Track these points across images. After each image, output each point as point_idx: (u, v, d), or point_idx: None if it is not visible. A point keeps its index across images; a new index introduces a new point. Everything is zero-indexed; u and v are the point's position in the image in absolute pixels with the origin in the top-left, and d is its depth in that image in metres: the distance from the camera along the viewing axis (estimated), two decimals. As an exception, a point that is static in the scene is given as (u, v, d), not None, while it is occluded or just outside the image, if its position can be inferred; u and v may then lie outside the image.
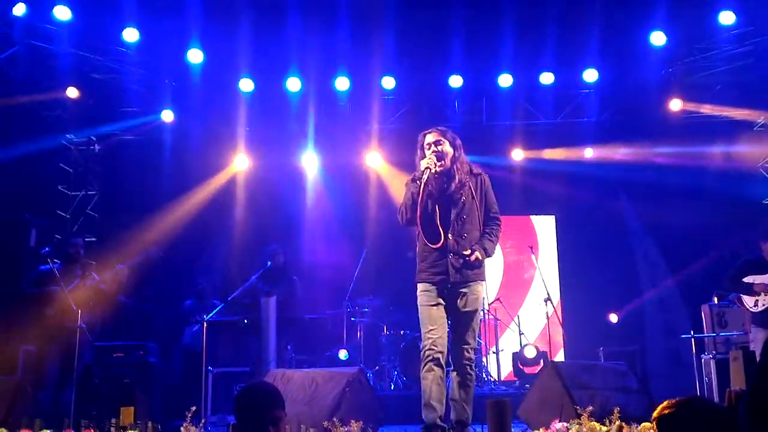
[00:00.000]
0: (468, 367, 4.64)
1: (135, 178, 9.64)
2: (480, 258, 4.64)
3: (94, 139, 9.91)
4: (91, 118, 9.49)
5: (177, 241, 9.19)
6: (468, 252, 4.61)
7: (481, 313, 4.84)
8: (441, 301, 4.67)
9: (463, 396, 4.61)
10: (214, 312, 6.76)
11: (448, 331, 4.68)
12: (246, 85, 9.44)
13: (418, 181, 4.68)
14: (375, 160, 10.21)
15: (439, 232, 4.66)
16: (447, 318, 4.68)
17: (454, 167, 4.74)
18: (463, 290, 4.64)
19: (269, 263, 7.14)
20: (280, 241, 8.28)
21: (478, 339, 6.30)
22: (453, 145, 4.80)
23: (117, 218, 9.27)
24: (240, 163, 10.14)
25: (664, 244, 10.34)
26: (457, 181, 4.71)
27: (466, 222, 4.69)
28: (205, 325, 6.47)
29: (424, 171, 4.66)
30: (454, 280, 4.62)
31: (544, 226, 10.75)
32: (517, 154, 10.25)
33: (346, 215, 10.16)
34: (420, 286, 4.76)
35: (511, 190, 10.13)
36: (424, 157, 4.76)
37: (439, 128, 4.88)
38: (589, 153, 10.24)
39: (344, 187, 10.19)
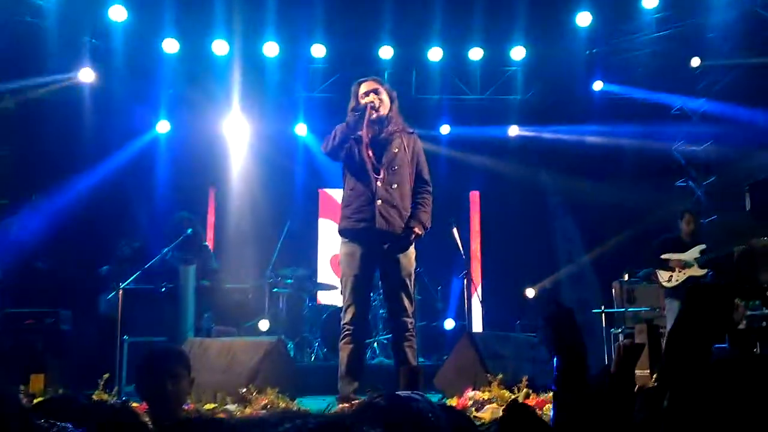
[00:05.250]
0: (409, 333, 4.57)
1: (51, 138, 9.15)
2: (419, 234, 4.56)
3: (7, 95, 9.40)
4: (2, 72, 9.00)
5: (96, 204, 8.89)
6: (402, 232, 4.48)
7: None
8: (367, 266, 4.53)
9: (409, 354, 4.57)
10: (130, 279, 6.58)
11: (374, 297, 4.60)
12: (170, 45, 9.16)
13: (356, 114, 4.54)
14: (302, 129, 10.11)
15: (368, 176, 4.50)
16: (375, 284, 4.59)
17: (389, 116, 4.63)
18: (394, 255, 4.51)
19: (189, 230, 6.98)
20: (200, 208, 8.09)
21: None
22: (390, 96, 4.71)
23: (30, 180, 8.85)
24: (162, 126, 9.85)
25: (581, 221, 10.63)
26: (391, 129, 4.60)
27: (396, 173, 4.54)
28: (120, 292, 6.29)
29: (365, 105, 4.53)
30: (380, 228, 4.45)
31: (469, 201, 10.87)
32: (445, 129, 10.33)
33: (271, 184, 10.05)
34: (343, 247, 4.61)
35: (438, 163, 10.21)
36: (358, 106, 4.64)
37: (377, 77, 4.80)
38: (514, 130, 10.40)
39: (270, 155, 10.04)
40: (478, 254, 10.64)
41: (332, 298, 8.86)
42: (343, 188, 4.64)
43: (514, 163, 10.31)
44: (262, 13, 8.77)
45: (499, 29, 9.34)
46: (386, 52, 9.52)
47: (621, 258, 8.78)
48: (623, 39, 9.58)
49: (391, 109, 4.65)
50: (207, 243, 7.54)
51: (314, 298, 8.54)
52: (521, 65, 9.92)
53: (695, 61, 9.36)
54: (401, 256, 4.54)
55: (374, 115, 4.53)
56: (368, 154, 4.49)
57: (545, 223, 10.92)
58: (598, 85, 9.90)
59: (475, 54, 9.68)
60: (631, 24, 9.35)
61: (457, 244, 6.96)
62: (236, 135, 9.99)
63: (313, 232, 10.23)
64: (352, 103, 4.66)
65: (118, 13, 8.58)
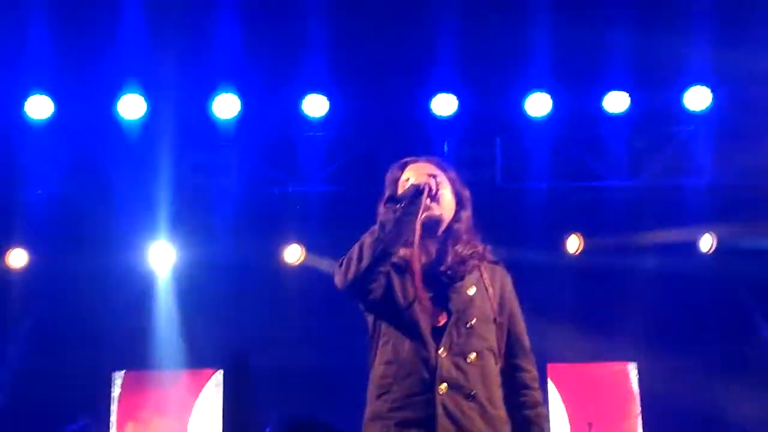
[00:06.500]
0: None
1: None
2: None
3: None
4: None
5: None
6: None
7: None
8: None
9: None
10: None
11: None
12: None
13: (399, 205, 2.36)
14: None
15: (421, 337, 2.38)
16: None
17: (458, 227, 2.48)
18: None
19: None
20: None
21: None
22: (458, 192, 2.55)
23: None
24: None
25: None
26: (461, 252, 2.48)
27: (473, 334, 2.39)
28: None
29: (418, 187, 2.34)
30: None
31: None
32: (572, 244, 5.76)
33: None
34: None
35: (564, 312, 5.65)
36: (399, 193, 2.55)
37: (435, 158, 2.66)
38: (706, 242, 5.73)
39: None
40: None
41: None
42: (372, 362, 2.49)
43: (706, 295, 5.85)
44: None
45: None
46: (445, 105, 5.23)
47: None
48: None
49: (460, 218, 2.53)
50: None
51: None
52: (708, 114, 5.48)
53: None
54: None
55: (433, 212, 2.40)
56: (420, 304, 2.38)
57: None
58: None
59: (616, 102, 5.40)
60: None
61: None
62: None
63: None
64: (388, 194, 2.51)
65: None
